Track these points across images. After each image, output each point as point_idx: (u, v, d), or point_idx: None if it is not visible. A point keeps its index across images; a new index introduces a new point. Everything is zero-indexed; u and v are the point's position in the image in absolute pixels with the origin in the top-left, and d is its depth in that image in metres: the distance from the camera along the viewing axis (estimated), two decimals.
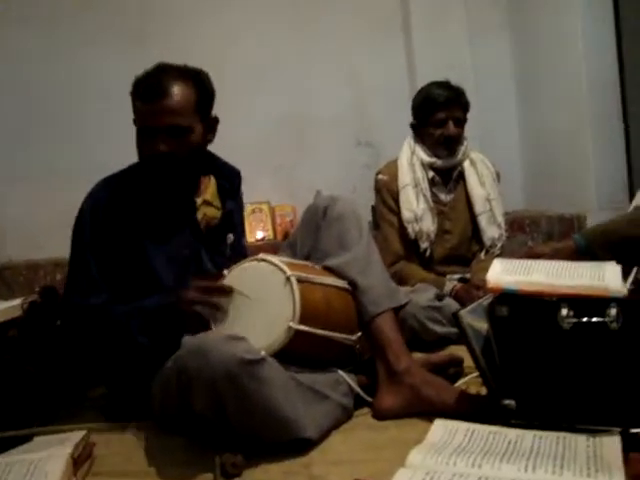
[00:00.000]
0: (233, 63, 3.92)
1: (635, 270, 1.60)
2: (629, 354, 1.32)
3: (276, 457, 1.46)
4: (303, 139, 4.12)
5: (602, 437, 1.30)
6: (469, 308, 1.53)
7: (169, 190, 1.81)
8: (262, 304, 1.66)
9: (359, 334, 1.78)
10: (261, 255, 1.74)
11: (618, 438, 1.28)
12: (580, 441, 1.29)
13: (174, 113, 1.73)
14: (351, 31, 4.14)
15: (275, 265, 1.69)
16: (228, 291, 1.67)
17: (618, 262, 1.54)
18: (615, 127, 3.89)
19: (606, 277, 1.41)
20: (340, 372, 1.72)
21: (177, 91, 1.74)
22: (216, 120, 1.89)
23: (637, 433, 1.30)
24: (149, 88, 1.74)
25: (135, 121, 1.79)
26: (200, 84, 1.81)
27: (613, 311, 1.32)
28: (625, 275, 1.49)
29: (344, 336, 1.74)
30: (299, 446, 1.49)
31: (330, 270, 1.82)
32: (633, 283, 1.49)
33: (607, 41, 3.86)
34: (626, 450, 1.24)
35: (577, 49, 3.84)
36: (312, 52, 4.08)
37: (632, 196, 3.73)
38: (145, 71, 1.79)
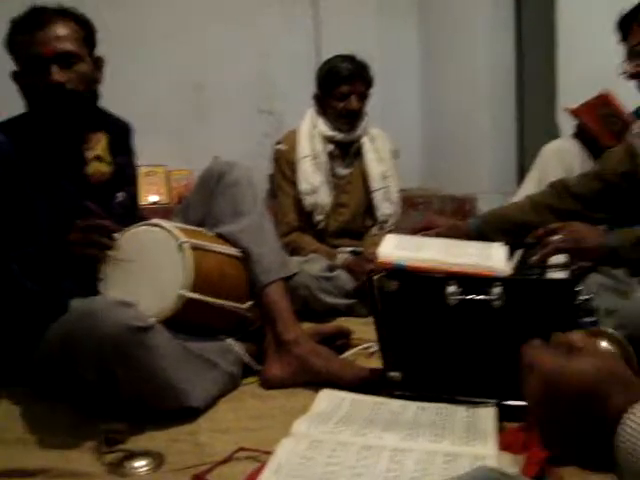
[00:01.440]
0: (136, 24, 3.79)
1: (520, 251, 1.67)
2: (509, 332, 1.38)
3: (162, 425, 1.44)
4: (203, 103, 4.05)
5: (479, 408, 1.36)
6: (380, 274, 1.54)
7: (61, 132, 1.73)
8: (154, 270, 1.63)
9: (250, 303, 1.78)
10: (154, 220, 1.70)
11: (494, 409, 1.35)
12: (459, 412, 1.35)
13: (62, 39, 1.68)
14: None
15: (168, 231, 1.66)
16: (113, 232, 1.63)
17: (506, 244, 1.61)
18: (510, 114, 4.03)
19: (492, 257, 1.47)
20: (229, 340, 1.71)
21: (61, 21, 1.70)
22: (102, 60, 1.82)
23: (511, 405, 1.36)
24: (32, 20, 1.67)
25: (16, 74, 1.71)
26: (81, 20, 1.76)
27: (497, 290, 1.37)
28: (510, 256, 1.56)
29: (235, 305, 1.74)
30: (186, 414, 1.48)
31: (223, 237, 1.80)
32: (517, 263, 1.56)
33: (507, 28, 3.99)
34: (501, 420, 1.31)
35: (477, 33, 3.95)
36: (217, 16, 3.99)
37: (521, 181, 3.89)
38: (20, 13, 1.72)
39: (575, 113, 2.85)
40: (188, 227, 1.79)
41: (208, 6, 3.98)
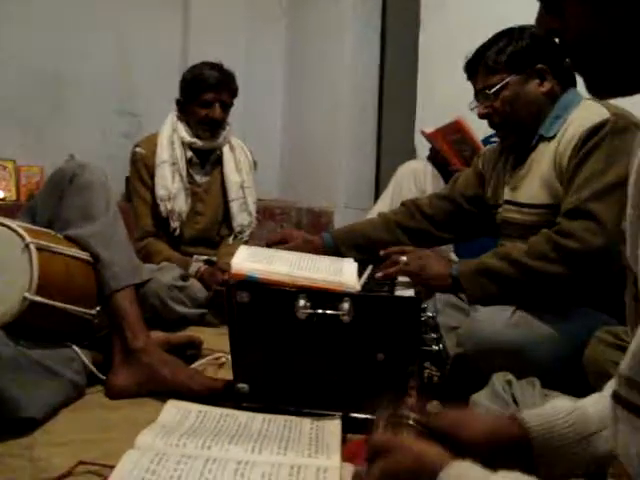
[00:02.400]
0: None
1: (370, 268, 1.72)
2: (357, 346, 1.42)
3: None
4: (60, 98, 3.88)
5: (325, 421, 1.38)
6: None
7: None
8: None
9: (98, 309, 1.73)
10: None
11: (339, 421, 1.38)
12: (305, 424, 1.37)
13: None
14: None
15: (13, 230, 1.58)
16: None
17: (358, 260, 1.66)
18: (370, 133, 4.16)
19: (343, 272, 1.50)
20: (74, 348, 1.65)
21: None
22: None
23: (356, 417, 1.40)
24: None
25: None
26: None
27: (346, 305, 1.41)
28: (360, 272, 1.60)
29: (82, 310, 1.68)
30: (22, 426, 1.40)
31: (72, 240, 1.73)
32: (367, 280, 1.61)
33: (372, 51, 4.13)
34: (346, 432, 1.34)
35: (343, 54, 4.06)
36: (79, 10, 3.85)
37: (377, 198, 4.03)
38: None
39: (429, 136, 2.99)
40: (34, 227, 1.71)
41: None
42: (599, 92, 0.74)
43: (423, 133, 3.07)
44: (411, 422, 0.93)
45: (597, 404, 0.93)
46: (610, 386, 0.92)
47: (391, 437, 0.91)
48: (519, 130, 1.82)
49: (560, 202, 1.68)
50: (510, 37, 1.80)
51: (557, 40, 0.72)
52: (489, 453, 0.91)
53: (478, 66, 1.83)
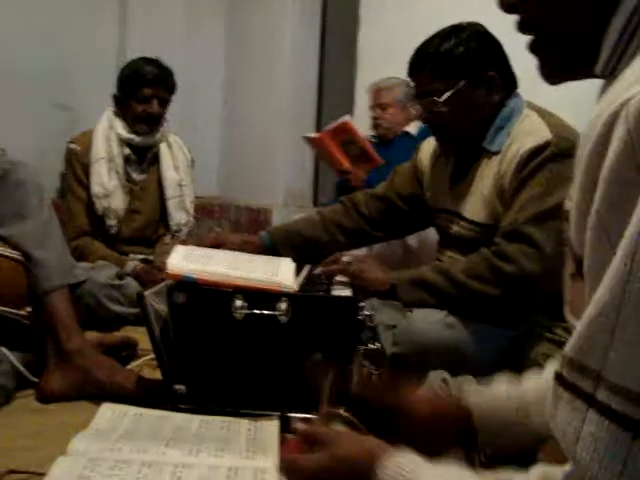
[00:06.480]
0: None
1: (308, 268, 1.73)
2: (295, 346, 1.42)
3: None
4: None
5: (262, 421, 1.38)
6: (154, 289, 1.52)
7: None
8: None
9: (29, 309, 1.68)
10: None
11: (277, 422, 1.38)
12: (243, 425, 1.37)
13: None
14: None
15: None
16: None
17: (296, 260, 1.65)
18: (309, 131, 4.16)
19: (280, 272, 1.50)
20: (3, 349, 1.60)
21: None
22: None
23: (294, 417, 1.40)
24: None
25: None
26: None
27: (283, 305, 1.40)
28: (298, 272, 1.60)
29: (12, 310, 1.64)
30: None
31: (2, 239, 1.68)
32: (305, 279, 1.61)
33: (312, 46, 4.14)
34: (284, 432, 1.34)
35: (283, 50, 4.06)
36: (13, 2, 3.73)
37: (316, 197, 4.05)
38: None
39: (315, 141, 3.04)
40: None
41: None
42: (551, 75, 0.71)
43: (308, 139, 3.11)
44: (345, 417, 0.93)
45: (534, 384, 0.96)
46: (548, 371, 0.95)
47: (327, 429, 0.90)
48: (462, 140, 1.76)
49: (499, 223, 1.67)
50: (458, 37, 1.68)
51: (518, 16, 0.70)
52: (434, 433, 0.93)
53: (425, 66, 1.72)
